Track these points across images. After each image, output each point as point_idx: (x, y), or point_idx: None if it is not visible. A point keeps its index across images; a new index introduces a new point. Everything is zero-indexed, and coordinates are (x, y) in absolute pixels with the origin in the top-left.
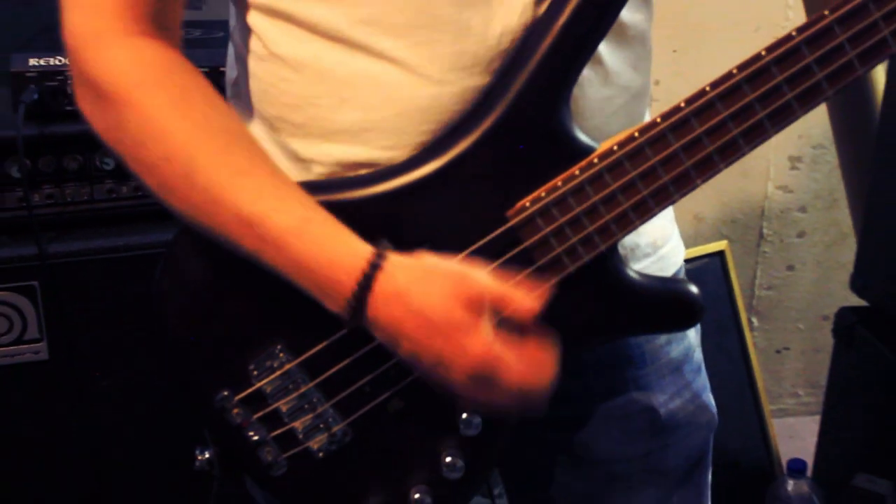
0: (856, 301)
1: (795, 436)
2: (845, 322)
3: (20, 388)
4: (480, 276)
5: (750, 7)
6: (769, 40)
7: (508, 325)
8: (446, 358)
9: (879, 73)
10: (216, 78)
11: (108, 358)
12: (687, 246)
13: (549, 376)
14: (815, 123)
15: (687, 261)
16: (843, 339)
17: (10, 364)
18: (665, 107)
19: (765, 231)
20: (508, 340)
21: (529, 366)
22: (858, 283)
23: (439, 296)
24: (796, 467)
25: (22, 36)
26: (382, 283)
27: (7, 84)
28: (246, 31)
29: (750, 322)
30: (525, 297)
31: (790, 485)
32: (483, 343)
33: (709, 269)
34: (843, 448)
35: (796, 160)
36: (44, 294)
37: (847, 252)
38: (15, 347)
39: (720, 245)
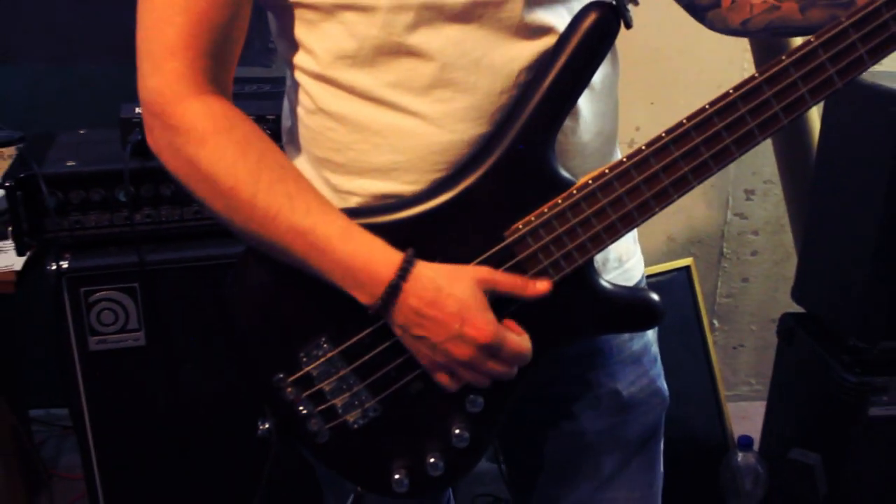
0: (796, 308)
1: (747, 417)
2: (787, 325)
3: (123, 366)
4: (492, 272)
5: (712, 68)
6: None
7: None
8: (465, 336)
9: (815, 125)
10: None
11: (192, 344)
12: (659, 261)
13: (530, 350)
14: (766, 163)
15: (659, 273)
16: (785, 338)
17: (116, 348)
18: None
19: (724, 250)
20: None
21: (521, 342)
22: (798, 293)
23: (465, 282)
24: (745, 442)
25: (129, 89)
26: (417, 273)
27: (118, 128)
28: (298, 90)
29: (711, 324)
30: (537, 282)
31: (740, 457)
32: (494, 321)
33: (678, 280)
34: (783, 427)
35: (750, 193)
36: (142, 293)
37: (791, 268)
38: (119, 335)
39: (687, 261)
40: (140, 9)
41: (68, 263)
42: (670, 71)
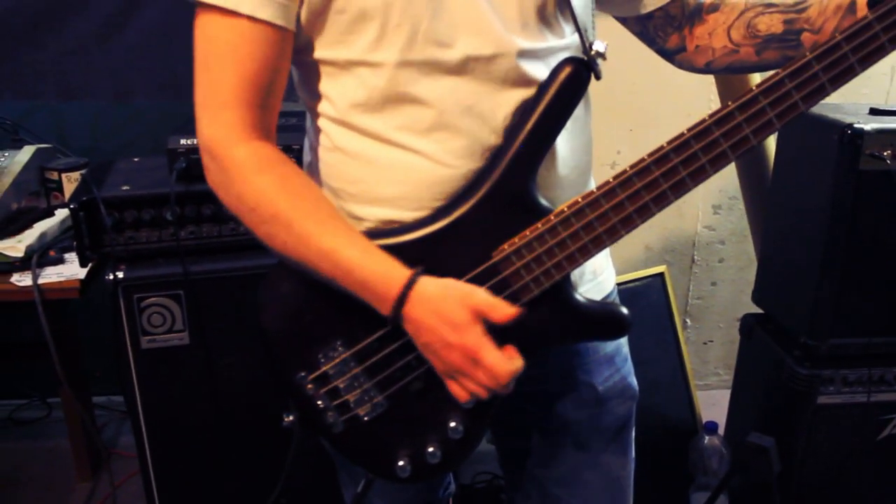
0: (756, 309)
1: (717, 404)
2: (748, 324)
3: (170, 362)
4: (480, 292)
5: (682, 100)
6: None
7: (492, 333)
8: (453, 343)
9: (771, 150)
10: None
11: (229, 344)
12: (638, 268)
13: (512, 372)
14: (731, 181)
15: (638, 279)
16: (746, 335)
17: (164, 346)
18: None
19: (695, 257)
20: (492, 341)
21: (502, 360)
22: (757, 296)
23: (453, 303)
24: (711, 427)
25: (176, 123)
26: (417, 291)
27: (165, 156)
28: (318, 130)
29: (684, 322)
30: (507, 306)
31: (706, 439)
32: (476, 336)
33: (654, 285)
34: (743, 413)
35: (717, 207)
36: (186, 299)
37: (753, 274)
38: (166, 335)
39: (662, 268)
40: (197, 68)
41: (123, 274)
42: (646, 102)
